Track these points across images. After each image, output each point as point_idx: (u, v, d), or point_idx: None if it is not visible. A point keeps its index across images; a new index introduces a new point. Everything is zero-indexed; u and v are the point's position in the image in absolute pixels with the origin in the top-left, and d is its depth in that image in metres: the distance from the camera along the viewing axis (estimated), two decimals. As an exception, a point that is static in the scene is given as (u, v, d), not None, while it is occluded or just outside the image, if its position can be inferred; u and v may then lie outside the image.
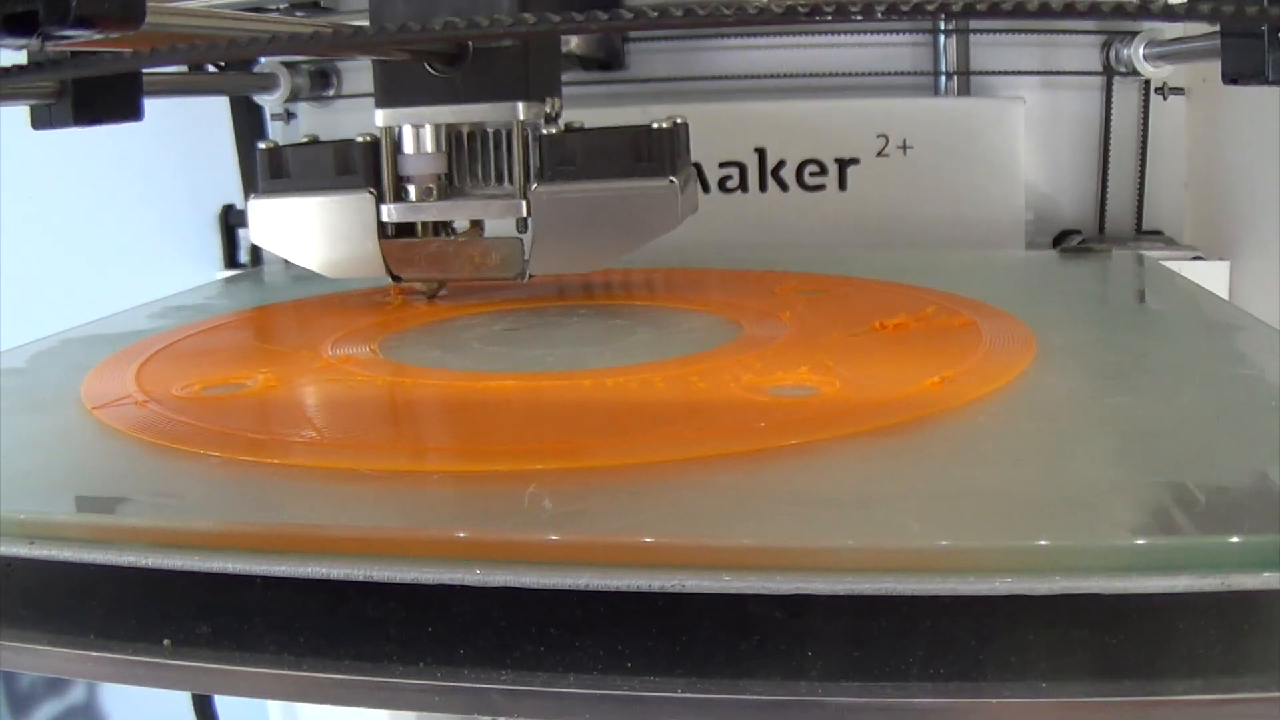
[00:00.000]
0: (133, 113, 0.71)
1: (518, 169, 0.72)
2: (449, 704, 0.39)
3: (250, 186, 1.12)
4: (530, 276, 0.74)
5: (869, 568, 0.37)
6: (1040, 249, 1.07)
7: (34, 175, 1.00)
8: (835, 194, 1.04)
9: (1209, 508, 0.40)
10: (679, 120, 0.72)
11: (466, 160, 0.74)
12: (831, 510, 0.42)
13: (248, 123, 1.14)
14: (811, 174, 1.04)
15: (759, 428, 0.49)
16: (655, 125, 0.71)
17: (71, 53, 0.45)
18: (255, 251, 1.13)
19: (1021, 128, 1.04)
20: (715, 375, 0.57)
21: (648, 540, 0.38)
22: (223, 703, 1.07)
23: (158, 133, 1.05)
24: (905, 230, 1.04)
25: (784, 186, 1.05)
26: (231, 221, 1.14)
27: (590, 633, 0.40)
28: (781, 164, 1.04)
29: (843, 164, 1.04)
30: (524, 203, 0.72)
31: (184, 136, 1.13)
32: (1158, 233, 1.09)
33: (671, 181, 0.70)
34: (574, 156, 0.72)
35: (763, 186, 1.05)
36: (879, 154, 1.03)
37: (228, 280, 1.02)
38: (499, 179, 0.74)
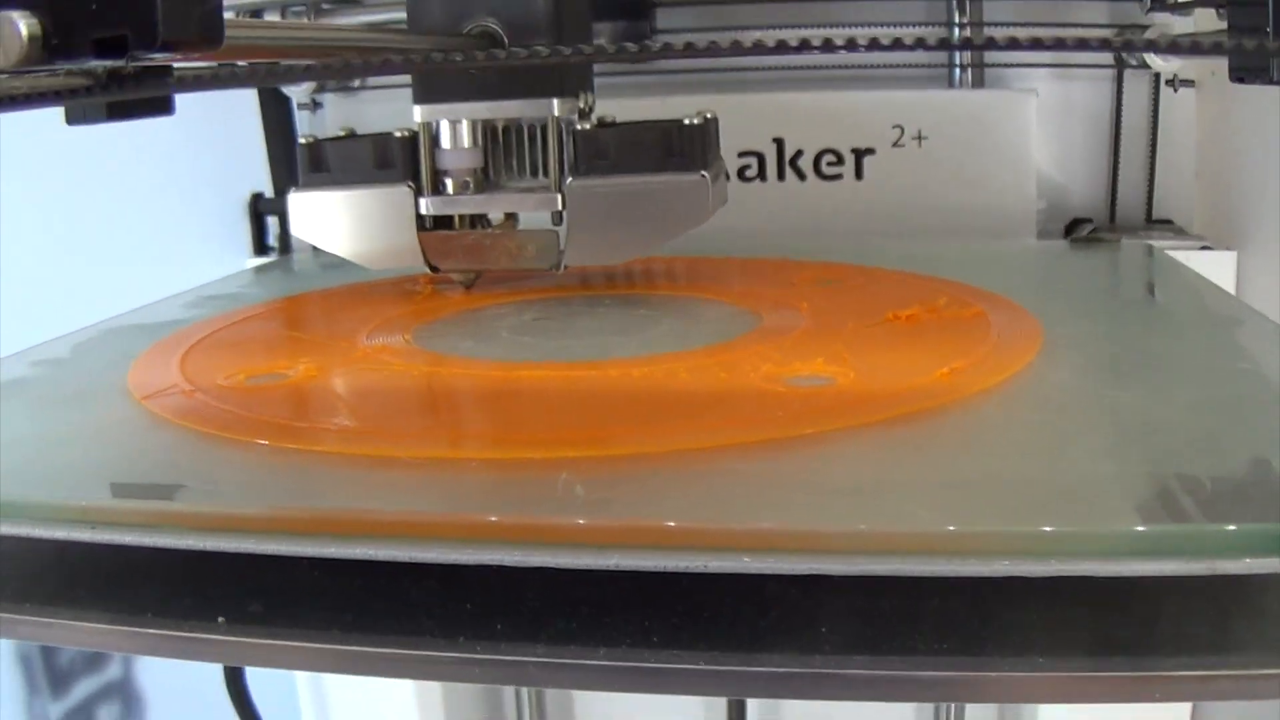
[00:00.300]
0: (164, 107, 0.73)
1: (553, 163, 0.74)
2: (488, 675, 0.42)
3: (279, 175, 1.15)
4: (565, 268, 0.76)
5: (879, 550, 0.39)
6: (1053, 237, 1.08)
7: (64, 165, 1.02)
8: (852, 183, 1.06)
9: (1199, 497, 0.42)
10: (710, 115, 0.74)
11: (502, 154, 0.76)
12: (844, 497, 0.44)
13: (275, 112, 1.15)
14: (829, 164, 1.06)
15: (777, 417, 0.52)
16: (687, 121, 0.73)
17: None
18: (284, 239, 1.15)
19: (1034, 119, 1.06)
20: (736, 366, 0.59)
21: (672, 524, 0.41)
22: (253, 681, 1.09)
23: (187, 122, 1.07)
24: (920, 219, 1.06)
25: (802, 176, 1.06)
26: (260, 209, 1.16)
27: (619, 611, 0.43)
28: (799, 154, 1.06)
29: (859, 154, 1.06)
30: (559, 196, 0.74)
31: (213, 126, 1.15)
32: (1168, 222, 1.11)
33: (703, 176, 0.72)
34: (608, 151, 0.73)
35: (781, 175, 1.07)
36: (895, 144, 1.05)
37: (258, 269, 1.04)
38: (534, 172, 0.76)
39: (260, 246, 1.17)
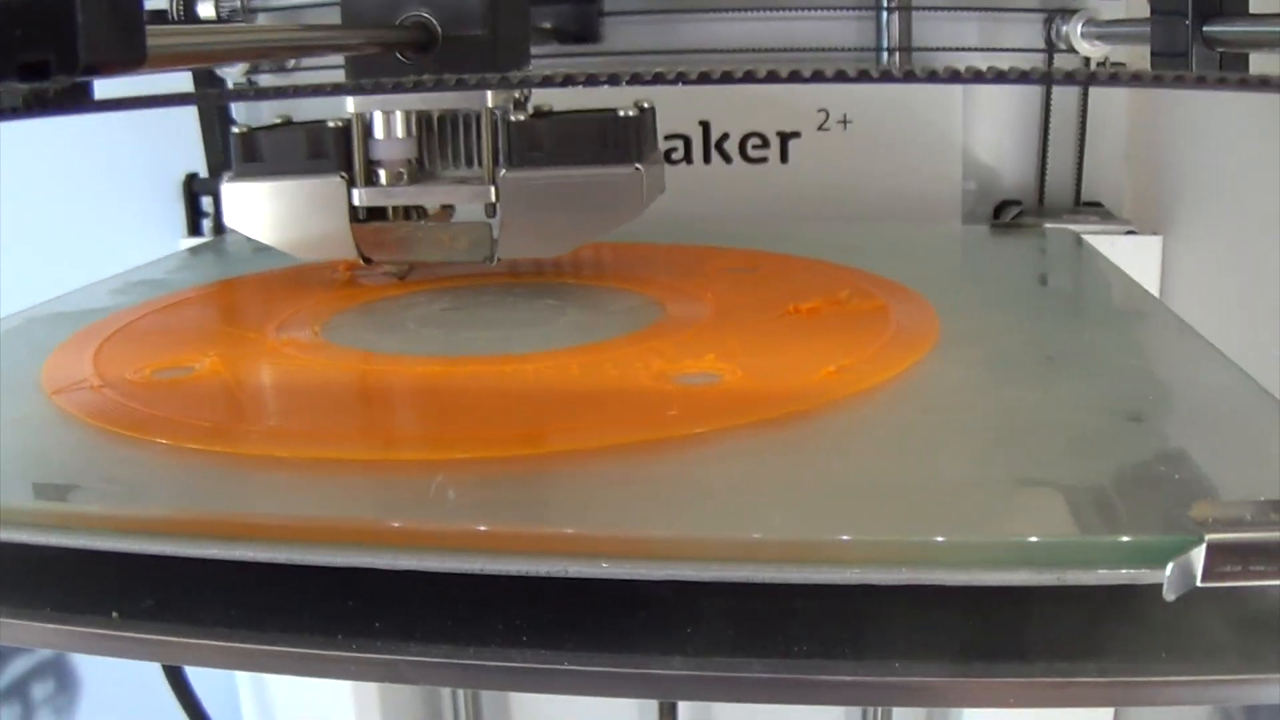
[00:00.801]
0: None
1: (486, 155, 0.74)
2: (363, 673, 0.44)
3: (214, 155, 1.15)
4: (498, 260, 0.76)
5: (733, 557, 0.41)
6: (981, 219, 1.09)
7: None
8: (777, 166, 1.07)
9: (1056, 505, 0.44)
10: (646, 105, 0.75)
11: (437, 144, 0.76)
12: (707, 501, 0.46)
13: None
14: (754, 147, 1.07)
15: (659, 417, 0.53)
16: (622, 113, 0.73)
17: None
18: (218, 220, 1.16)
19: (960, 104, 1.07)
20: (627, 363, 0.60)
21: (532, 530, 0.43)
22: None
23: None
24: (845, 202, 1.07)
25: (727, 159, 1.08)
26: (195, 189, 1.17)
27: (494, 610, 0.44)
28: (725, 137, 1.07)
29: (785, 137, 1.07)
30: (493, 188, 0.74)
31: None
32: (1097, 204, 1.11)
33: (637, 169, 0.73)
34: (542, 142, 0.73)
35: (707, 159, 1.08)
36: (820, 128, 1.06)
37: (190, 251, 1.04)
38: (469, 162, 0.76)
39: (195, 227, 1.18)
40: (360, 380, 0.63)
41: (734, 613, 0.44)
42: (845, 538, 0.40)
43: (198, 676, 1.11)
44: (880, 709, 1.17)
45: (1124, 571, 0.39)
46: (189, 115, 1.15)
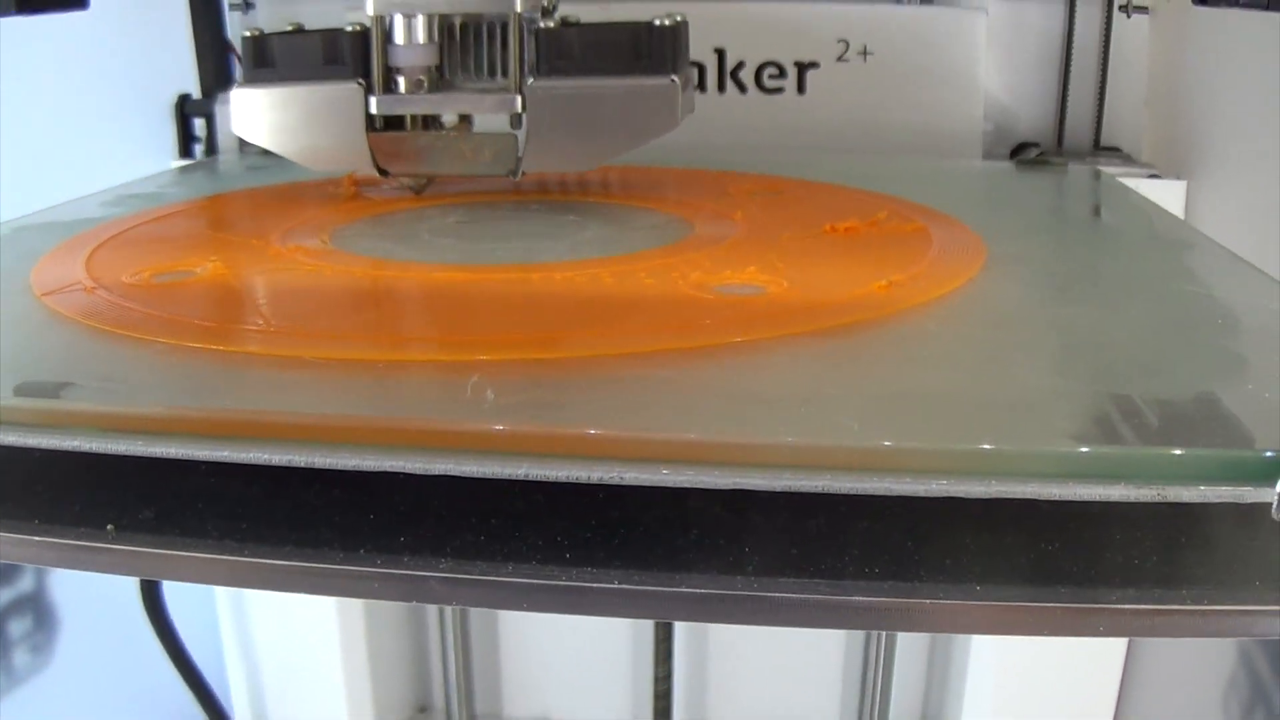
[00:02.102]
0: (78, 1, 0.69)
1: (513, 63, 0.71)
2: (387, 591, 0.39)
3: (206, 76, 1.11)
4: (522, 174, 0.73)
5: (807, 465, 0.37)
6: (997, 160, 1.06)
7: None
8: (794, 97, 1.04)
9: (1150, 419, 0.40)
10: (680, 18, 0.71)
11: (459, 53, 0.73)
12: (772, 407, 0.42)
13: (205, 11, 1.11)
14: (770, 76, 1.03)
15: (704, 324, 0.50)
16: (657, 22, 0.70)
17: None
18: (210, 142, 1.12)
19: (983, 39, 1.04)
20: (664, 273, 0.57)
21: (589, 432, 0.38)
22: (170, 592, 1.07)
23: (111, 21, 1.04)
24: (863, 136, 1.04)
25: (742, 88, 1.04)
26: (187, 111, 1.13)
27: (530, 524, 0.40)
28: (741, 65, 1.03)
29: (802, 67, 1.03)
30: (519, 98, 0.71)
31: (139, 26, 1.11)
32: (1115, 149, 1.09)
33: (673, 80, 0.69)
34: (572, 51, 0.70)
35: (721, 87, 1.04)
36: (839, 59, 1.02)
37: (182, 169, 1.00)
38: (491, 73, 0.72)
39: (185, 149, 1.14)
40: (381, 285, 0.60)
41: (782, 531, 0.41)
42: (939, 446, 0.37)
43: (176, 612, 1.07)
44: (884, 637, 1.15)
45: (1227, 488, 0.36)
46: (182, 35, 1.11)
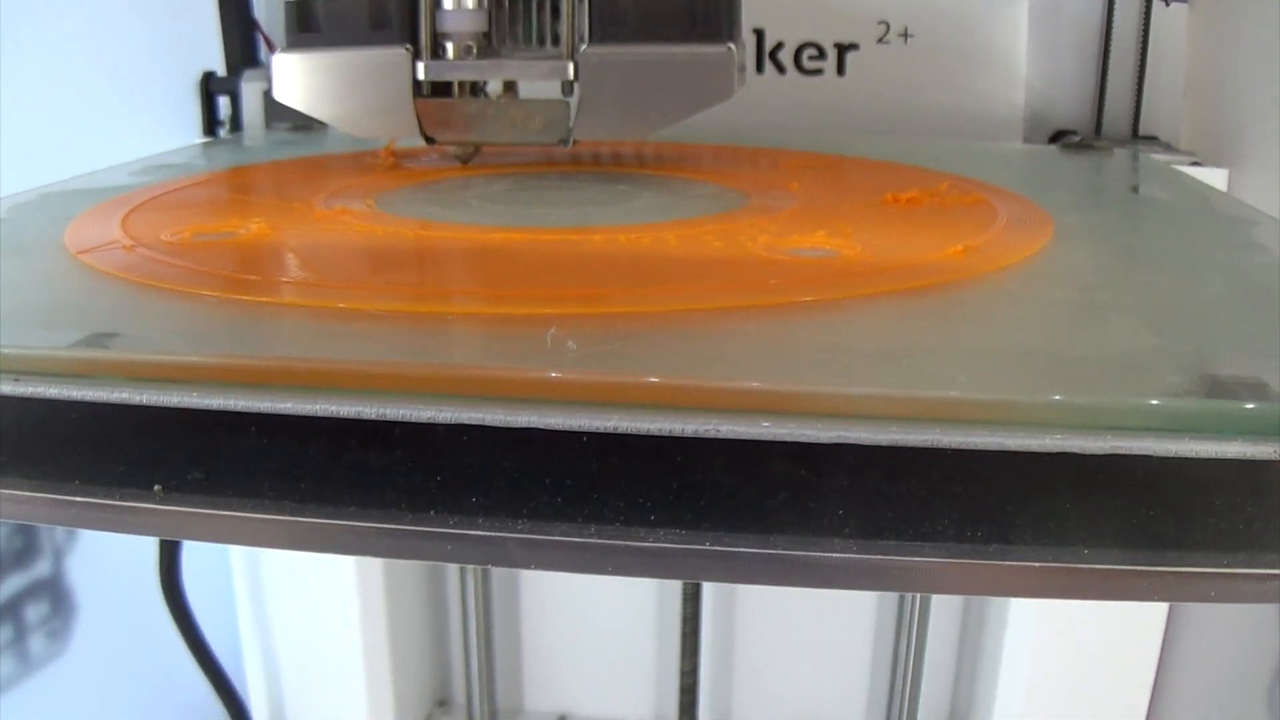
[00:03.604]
0: None
1: (566, 28, 0.69)
2: (463, 554, 0.37)
3: (232, 53, 1.10)
4: (574, 143, 0.72)
5: (912, 417, 0.35)
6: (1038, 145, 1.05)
7: (7, 41, 0.97)
8: (834, 79, 1.02)
9: (1256, 376, 0.38)
10: None
11: (508, 18, 0.71)
12: (867, 360, 0.40)
13: (230, -14, 1.10)
14: (810, 58, 1.02)
15: (784, 284, 0.48)
16: None
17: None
18: (235, 120, 1.10)
19: (1025, 23, 1.02)
20: (731, 236, 0.55)
21: (678, 382, 0.36)
22: (188, 581, 1.05)
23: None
24: (903, 119, 1.02)
25: (781, 69, 1.02)
26: (212, 88, 1.11)
27: (608, 486, 0.39)
28: (780, 46, 1.02)
29: (842, 49, 1.02)
30: (571, 64, 0.69)
31: (164, 2, 1.10)
32: (1154, 138, 1.07)
33: (730, 49, 0.68)
34: (626, 17, 0.68)
35: (760, 68, 1.02)
36: (879, 40, 1.01)
37: (208, 144, 0.99)
38: (541, 40, 0.71)
39: (210, 127, 1.12)
40: (438, 244, 0.58)
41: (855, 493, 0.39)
42: (1055, 397, 0.35)
43: (195, 603, 1.06)
44: (914, 632, 1.13)
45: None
46: (208, 11, 1.09)
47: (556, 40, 0.70)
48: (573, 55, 0.69)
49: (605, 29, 0.68)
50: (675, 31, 0.68)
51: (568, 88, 0.70)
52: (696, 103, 0.68)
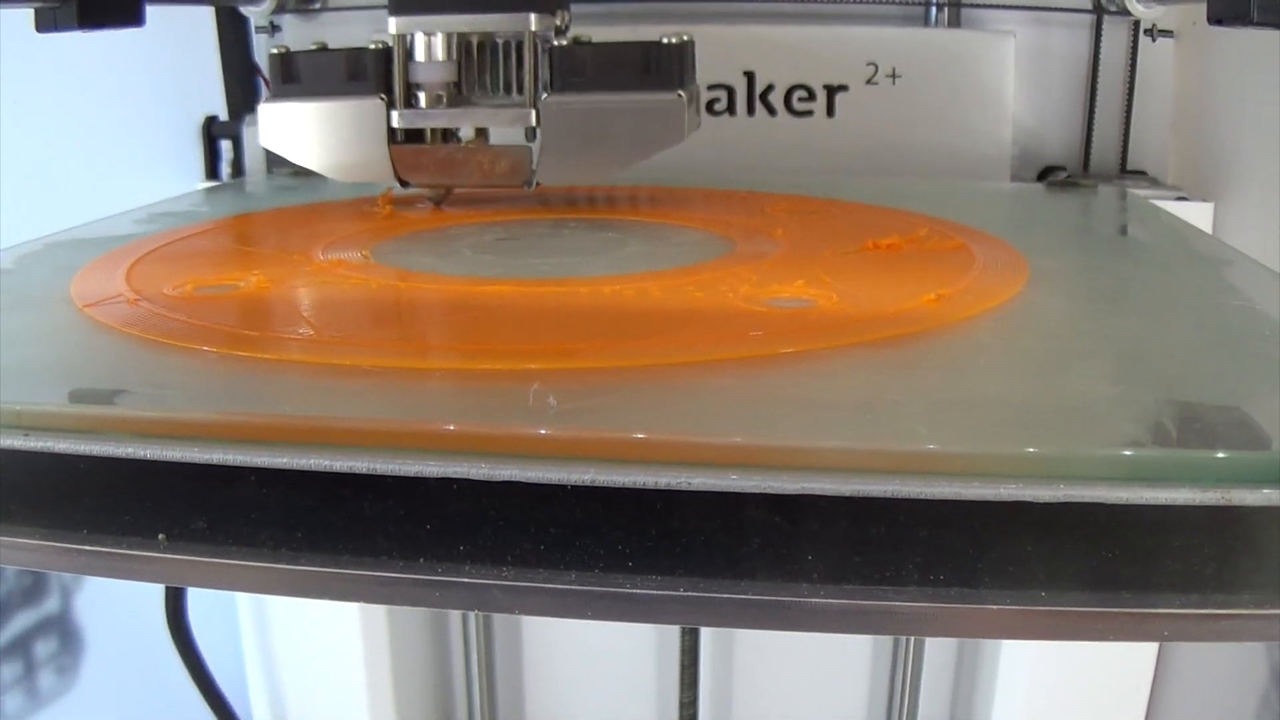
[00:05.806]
0: (134, 18, 0.72)
1: (529, 78, 0.74)
2: (450, 600, 0.39)
3: (234, 98, 1.11)
4: (536, 185, 0.76)
5: (875, 469, 0.37)
6: (1025, 182, 1.06)
7: (11, 85, 0.99)
8: (823, 120, 1.04)
9: (1210, 424, 0.40)
10: (686, 37, 0.74)
11: (476, 69, 0.76)
12: (835, 413, 0.42)
13: (232, 34, 1.12)
14: (800, 99, 1.03)
15: (759, 336, 0.49)
16: (664, 40, 0.72)
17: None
18: (237, 164, 1.12)
19: (1012, 61, 1.04)
20: (712, 286, 0.57)
21: (653, 437, 0.38)
22: (193, 608, 1.06)
23: (141, 43, 1.04)
24: (892, 158, 1.04)
25: (772, 111, 1.04)
26: (214, 133, 1.13)
27: (590, 532, 0.40)
28: (770, 88, 1.04)
29: (831, 90, 1.03)
30: (534, 112, 0.74)
31: (168, 48, 1.11)
32: (1141, 172, 1.09)
33: (680, 95, 0.72)
34: (584, 68, 0.73)
35: (750, 110, 1.04)
36: (868, 82, 1.03)
37: (210, 189, 1.01)
38: (507, 89, 0.76)
39: (212, 171, 1.14)
40: (430, 297, 0.60)
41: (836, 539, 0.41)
42: (1030, 450, 0.37)
43: (199, 627, 1.07)
44: (911, 652, 1.15)
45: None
46: (209, 57, 1.11)
47: (522, 88, 0.74)
48: (535, 104, 0.74)
49: (565, 79, 0.74)
50: (630, 80, 0.73)
51: (530, 134, 0.75)
52: (650, 146, 0.73)
